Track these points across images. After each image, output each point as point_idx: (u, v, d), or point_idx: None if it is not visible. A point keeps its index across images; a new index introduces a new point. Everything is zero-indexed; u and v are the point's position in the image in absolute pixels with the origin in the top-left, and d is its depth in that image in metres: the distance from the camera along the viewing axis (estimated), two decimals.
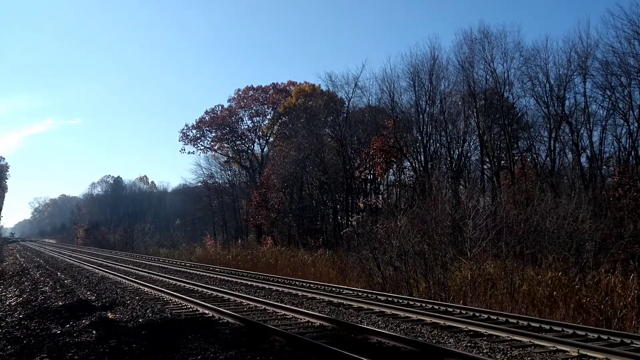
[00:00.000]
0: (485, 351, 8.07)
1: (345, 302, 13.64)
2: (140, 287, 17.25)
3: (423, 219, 18.13)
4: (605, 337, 9.14)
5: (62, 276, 21.75)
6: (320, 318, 10.71)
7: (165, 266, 29.38)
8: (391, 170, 32.85)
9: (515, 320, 10.74)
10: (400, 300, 13.98)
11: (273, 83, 52.64)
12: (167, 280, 20.04)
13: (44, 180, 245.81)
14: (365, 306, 12.88)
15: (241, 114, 52.90)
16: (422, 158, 30.35)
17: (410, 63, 31.20)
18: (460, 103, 29.82)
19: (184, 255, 41.85)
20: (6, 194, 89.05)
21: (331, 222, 37.05)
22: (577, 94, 25.36)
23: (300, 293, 15.60)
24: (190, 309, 12.44)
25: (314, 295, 14.92)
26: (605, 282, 12.83)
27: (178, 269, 27.21)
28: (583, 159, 25.02)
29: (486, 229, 16.65)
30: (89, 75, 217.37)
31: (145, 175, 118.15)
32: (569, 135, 25.32)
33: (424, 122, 29.92)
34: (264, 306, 12.69)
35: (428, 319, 10.96)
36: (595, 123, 24.73)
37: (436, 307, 12.76)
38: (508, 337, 9.12)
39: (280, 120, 48.97)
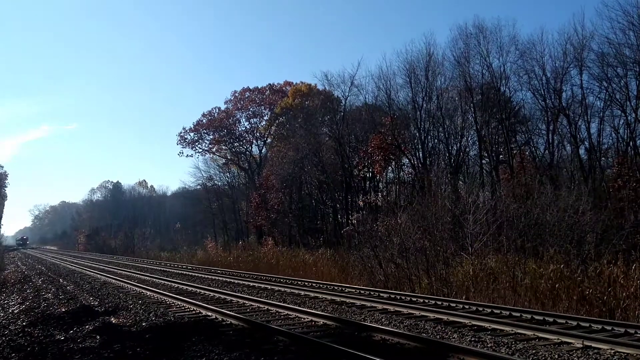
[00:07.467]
0: (489, 345, 8.06)
1: (347, 300, 13.64)
2: (143, 291, 17.24)
3: (423, 215, 18.12)
4: (609, 327, 9.15)
5: (64, 282, 21.72)
6: (323, 317, 10.71)
7: (167, 270, 29.38)
8: (390, 167, 32.93)
9: (518, 314, 10.75)
10: (403, 297, 13.99)
11: (269, 84, 52.68)
12: (169, 283, 20.03)
13: (43, 187, 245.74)
14: (368, 304, 12.88)
15: (238, 116, 52.91)
16: (421, 154, 30.38)
17: (405, 60, 31.13)
18: (457, 98, 29.82)
19: (185, 258, 41.81)
20: (6, 202, 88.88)
21: (331, 221, 37.07)
22: (573, 86, 25.38)
23: (302, 293, 15.60)
24: (194, 312, 12.43)
25: (316, 295, 14.93)
26: (607, 273, 12.82)
27: (180, 272, 27.20)
28: (582, 151, 25.08)
29: (487, 223, 16.66)
30: (83, 79, 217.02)
31: (144, 180, 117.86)
32: (567, 127, 25.33)
33: (421, 119, 29.94)
34: (266, 307, 12.68)
35: (431, 315, 10.96)
36: (593, 115, 24.74)
37: (439, 302, 12.77)
38: (512, 330, 9.12)
39: (277, 121, 48.97)
